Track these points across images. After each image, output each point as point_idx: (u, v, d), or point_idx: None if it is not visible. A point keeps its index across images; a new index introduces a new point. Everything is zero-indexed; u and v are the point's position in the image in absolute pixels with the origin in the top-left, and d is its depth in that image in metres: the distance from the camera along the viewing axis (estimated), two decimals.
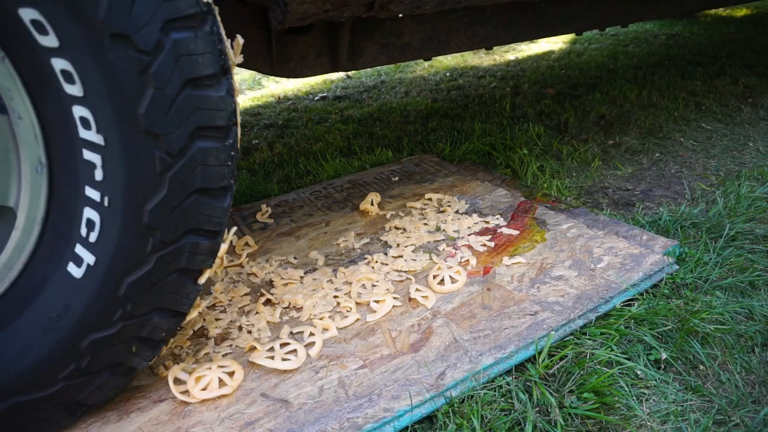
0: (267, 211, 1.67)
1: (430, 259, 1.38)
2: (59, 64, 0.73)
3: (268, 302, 1.25)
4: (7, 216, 0.89)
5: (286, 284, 1.30)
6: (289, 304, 1.24)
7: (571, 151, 2.07)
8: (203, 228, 0.84)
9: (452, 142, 2.18)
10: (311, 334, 1.12)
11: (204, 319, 1.19)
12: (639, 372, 1.02)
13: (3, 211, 0.89)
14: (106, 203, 0.79)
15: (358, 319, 1.16)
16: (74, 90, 0.74)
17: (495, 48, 4.13)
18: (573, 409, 0.93)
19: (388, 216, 1.60)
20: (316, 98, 3.19)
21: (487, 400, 0.95)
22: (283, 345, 1.09)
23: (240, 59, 0.86)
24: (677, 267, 1.27)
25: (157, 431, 0.92)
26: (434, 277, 1.28)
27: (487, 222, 1.53)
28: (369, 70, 3.75)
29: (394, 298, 1.22)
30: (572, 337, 1.10)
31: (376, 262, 1.37)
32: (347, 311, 1.19)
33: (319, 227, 1.58)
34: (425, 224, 1.54)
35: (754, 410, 0.94)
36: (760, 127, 2.19)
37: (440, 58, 3.96)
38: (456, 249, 1.41)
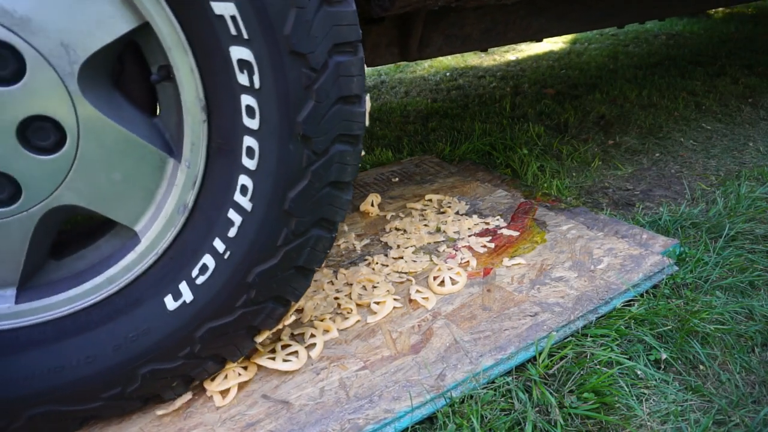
0: None
1: (431, 260, 1.38)
2: (249, 141, 0.83)
3: None
4: (125, 236, 0.94)
5: None
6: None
7: (571, 151, 2.07)
8: (284, 296, 0.94)
9: (452, 142, 2.18)
10: (312, 335, 1.12)
11: None
12: (639, 372, 1.02)
13: (125, 230, 0.94)
14: (226, 256, 0.89)
15: (358, 321, 1.17)
16: (249, 164, 0.85)
17: (495, 48, 4.13)
18: (573, 409, 0.93)
19: (388, 217, 1.61)
20: None
21: (487, 399, 0.95)
22: (284, 346, 1.09)
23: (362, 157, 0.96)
24: (677, 268, 1.27)
25: None
26: (434, 278, 1.28)
27: (488, 223, 1.53)
28: (369, 69, 3.75)
29: (395, 299, 1.22)
30: (572, 337, 1.10)
31: (377, 263, 1.37)
32: (348, 313, 1.19)
33: None
34: (425, 225, 1.54)
35: (754, 410, 0.94)
36: (760, 127, 2.19)
37: (440, 58, 3.97)
38: (456, 250, 1.41)
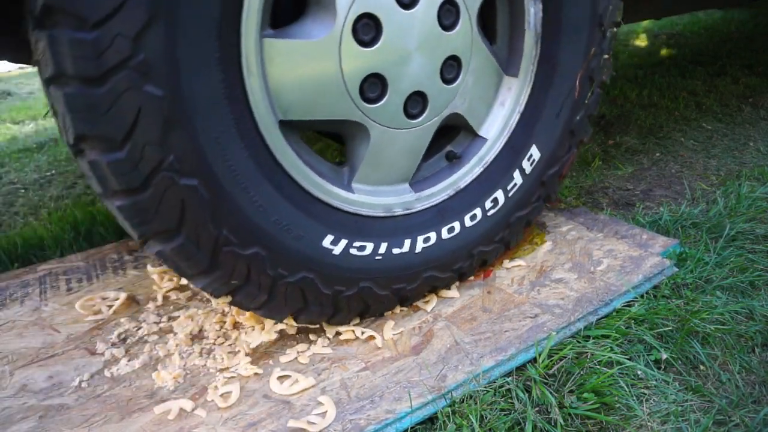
0: None
1: None
2: (516, 177, 1.24)
3: None
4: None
5: None
6: None
7: None
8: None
9: None
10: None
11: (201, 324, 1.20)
12: (639, 372, 1.02)
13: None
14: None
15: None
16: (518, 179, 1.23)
17: None
18: (573, 409, 0.94)
19: None
20: None
21: (486, 400, 0.96)
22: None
23: None
24: (677, 269, 1.27)
25: (159, 431, 0.93)
26: None
27: None
28: None
29: None
30: (572, 337, 1.10)
31: None
32: None
33: None
34: None
35: (754, 410, 0.95)
36: (761, 127, 2.19)
37: None
38: None
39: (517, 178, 1.20)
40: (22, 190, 2.26)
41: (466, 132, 1.21)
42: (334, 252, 1.02)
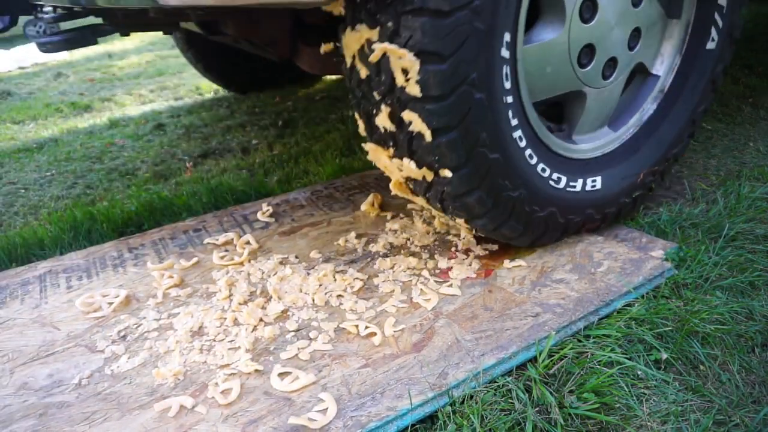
0: (268, 210, 1.68)
1: (432, 258, 1.38)
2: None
3: (268, 301, 1.25)
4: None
5: (287, 283, 1.31)
6: (293, 303, 1.24)
7: None
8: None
9: None
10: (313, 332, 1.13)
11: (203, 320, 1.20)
12: (639, 372, 1.02)
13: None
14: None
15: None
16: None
17: None
18: (573, 409, 0.94)
19: (389, 217, 1.61)
20: (316, 98, 3.19)
21: (487, 400, 0.96)
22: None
23: None
24: (676, 272, 1.27)
25: (159, 429, 0.93)
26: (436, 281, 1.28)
27: None
28: None
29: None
30: (572, 337, 1.10)
31: (378, 263, 1.37)
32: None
33: (320, 227, 1.58)
34: (428, 225, 1.55)
35: (754, 410, 0.95)
36: (761, 127, 2.19)
37: None
38: (457, 251, 1.41)
39: (578, 185, 1.35)
40: (22, 190, 2.25)
41: (567, 124, 1.42)
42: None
